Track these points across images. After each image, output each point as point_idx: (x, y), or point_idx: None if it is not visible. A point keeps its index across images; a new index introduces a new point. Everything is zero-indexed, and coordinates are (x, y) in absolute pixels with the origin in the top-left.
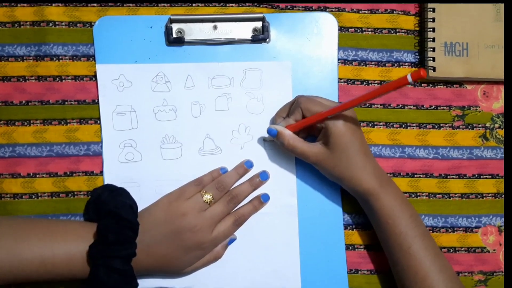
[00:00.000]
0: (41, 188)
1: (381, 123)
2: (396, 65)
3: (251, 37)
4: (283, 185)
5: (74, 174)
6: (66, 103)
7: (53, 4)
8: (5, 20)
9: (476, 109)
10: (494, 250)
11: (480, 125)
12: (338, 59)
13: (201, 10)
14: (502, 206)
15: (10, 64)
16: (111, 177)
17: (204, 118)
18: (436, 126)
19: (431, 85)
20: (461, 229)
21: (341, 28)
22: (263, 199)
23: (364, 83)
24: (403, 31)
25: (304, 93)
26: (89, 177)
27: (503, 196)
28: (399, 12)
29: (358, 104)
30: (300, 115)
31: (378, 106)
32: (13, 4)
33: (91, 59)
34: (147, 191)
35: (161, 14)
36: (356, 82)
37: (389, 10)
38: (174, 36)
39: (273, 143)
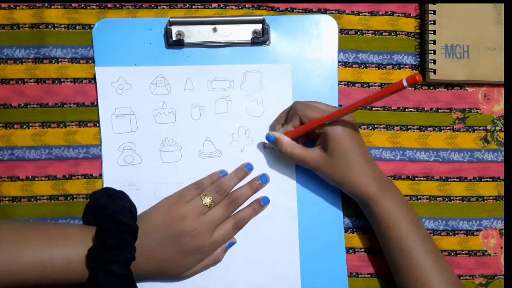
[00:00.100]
0: (40, 191)
1: (381, 126)
2: (396, 67)
3: (251, 39)
4: (283, 188)
5: (73, 177)
6: (65, 105)
7: (52, 7)
8: (4, 22)
9: (477, 112)
10: (495, 253)
11: (481, 128)
12: (339, 62)
13: (201, 13)
14: (503, 209)
15: (9, 66)
16: (110, 180)
17: (203, 120)
18: (436, 129)
19: (431, 88)
20: (462, 232)
21: (341, 31)
22: (263, 202)
23: (365, 85)
24: (403, 33)
25: (304, 95)
26: (88, 180)
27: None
28: (400, 15)
29: (355, 109)
30: (298, 121)
31: (379, 108)
32: (12, 6)
33: (90, 61)
34: (146, 194)
35: (161, 17)
36: (356, 85)
37: (389, 13)
38: (174, 38)
39: (273, 148)
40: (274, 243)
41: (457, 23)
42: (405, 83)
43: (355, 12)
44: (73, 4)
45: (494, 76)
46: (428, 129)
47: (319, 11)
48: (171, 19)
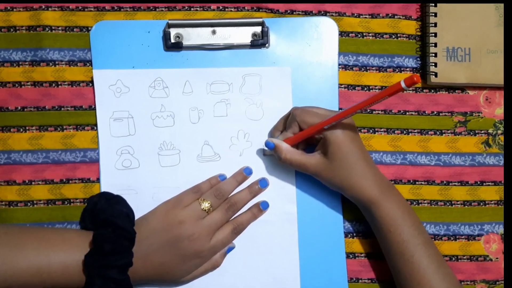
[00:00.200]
0: (37, 196)
1: (382, 129)
2: (397, 70)
3: (251, 42)
4: (283, 192)
5: (70, 181)
6: (62, 109)
7: (50, 9)
8: (0, 24)
9: (479, 115)
10: (497, 258)
11: (482, 132)
12: (339, 65)
13: (200, 15)
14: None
15: (6, 69)
16: (108, 184)
17: (202, 124)
18: (438, 133)
19: (432, 91)
20: (463, 237)
21: (341, 33)
22: (262, 207)
23: (365, 88)
24: (404, 36)
25: (304, 98)
26: (86, 184)
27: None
28: (400, 17)
29: (354, 112)
30: (297, 127)
31: (379, 112)
32: (9, 8)
33: (87, 64)
34: (144, 198)
35: (159, 19)
36: (357, 88)
37: (390, 15)
38: (172, 41)
39: (273, 155)
40: (274, 248)
41: (458, 26)
42: (403, 84)
43: (355, 15)
44: (70, 6)
45: (496, 79)
46: (429, 132)
47: (319, 13)
48: (169, 21)
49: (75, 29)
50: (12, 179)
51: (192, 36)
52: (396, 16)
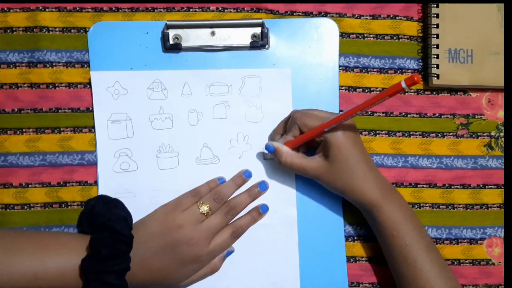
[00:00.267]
0: (34, 199)
1: (383, 132)
2: (398, 72)
3: (250, 43)
4: (283, 195)
5: (67, 184)
6: (59, 111)
7: (47, 10)
8: None
9: (481, 118)
10: (500, 262)
11: (485, 134)
12: (339, 66)
13: (199, 16)
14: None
15: (2, 71)
16: (105, 187)
17: (201, 126)
18: (439, 135)
19: (434, 93)
20: (465, 240)
21: (342, 34)
22: (262, 210)
23: (366, 90)
24: (406, 37)
25: (304, 100)
26: (83, 187)
27: None
28: (402, 18)
29: (355, 114)
30: (297, 131)
31: (380, 114)
32: (5, 9)
33: (85, 66)
34: (142, 201)
35: (158, 20)
36: (357, 90)
37: (391, 16)
38: (171, 42)
39: (274, 159)
40: (273, 252)
41: (460, 27)
42: (403, 85)
43: (356, 16)
44: (68, 7)
45: (498, 81)
46: (430, 135)
47: (320, 14)
48: (168, 23)
49: (72, 30)
50: (9, 182)
51: (191, 37)
52: (397, 17)
